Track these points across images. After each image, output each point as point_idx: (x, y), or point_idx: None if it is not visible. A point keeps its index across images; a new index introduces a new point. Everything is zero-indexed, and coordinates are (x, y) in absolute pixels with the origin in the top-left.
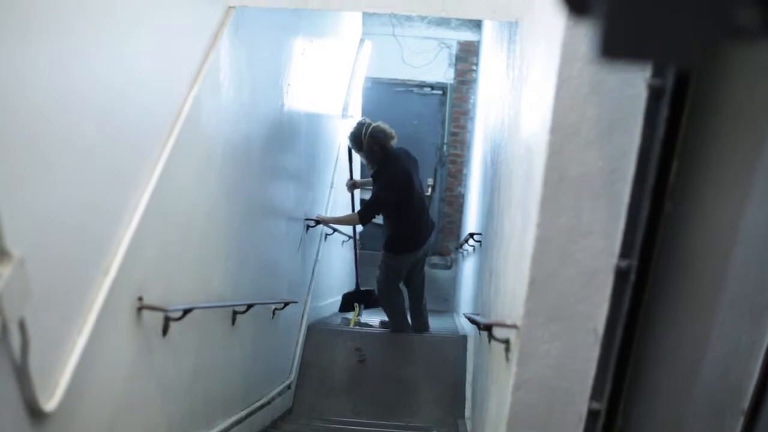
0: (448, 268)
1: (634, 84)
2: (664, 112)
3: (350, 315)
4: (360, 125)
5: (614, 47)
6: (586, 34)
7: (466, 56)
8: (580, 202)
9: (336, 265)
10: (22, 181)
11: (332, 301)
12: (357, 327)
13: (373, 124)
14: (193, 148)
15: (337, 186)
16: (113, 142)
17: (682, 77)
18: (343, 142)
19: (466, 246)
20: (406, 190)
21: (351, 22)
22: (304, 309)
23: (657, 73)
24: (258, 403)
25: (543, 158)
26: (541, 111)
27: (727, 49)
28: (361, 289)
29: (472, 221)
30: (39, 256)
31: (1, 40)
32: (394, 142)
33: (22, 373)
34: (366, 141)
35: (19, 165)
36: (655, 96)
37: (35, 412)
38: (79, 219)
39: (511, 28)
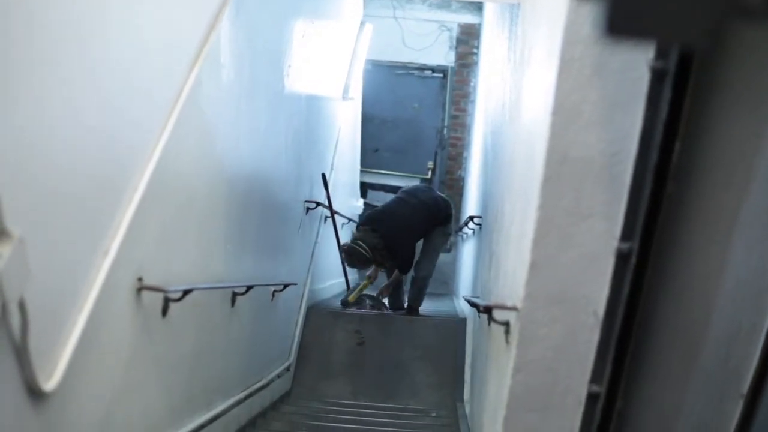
0: (448, 251)
1: (636, 66)
2: (666, 94)
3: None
4: (352, 249)
5: (619, 26)
6: (589, 16)
7: (467, 39)
8: (581, 185)
9: (336, 247)
10: (22, 161)
11: (331, 283)
12: (355, 309)
13: (354, 241)
14: (193, 128)
15: (337, 168)
16: (114, 122)
17: (685, 59)
18: (343, 124)
19: (465, 229)
20: (411, 229)
21: (352, 4)
22: (304, 291)
23: (660, 55)
24: (257, 385)
25: (545, 140)
26: (543, 93)
27: (731, 30)
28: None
29: (472, 204)
30: (39, 236)
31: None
32: (372, 230)
33: (21, 353)
34: (370, 252)
35: (19, 145)
36: (657, 78)
37: (35, 392)
38: (79, 199)
39: (513, 10)
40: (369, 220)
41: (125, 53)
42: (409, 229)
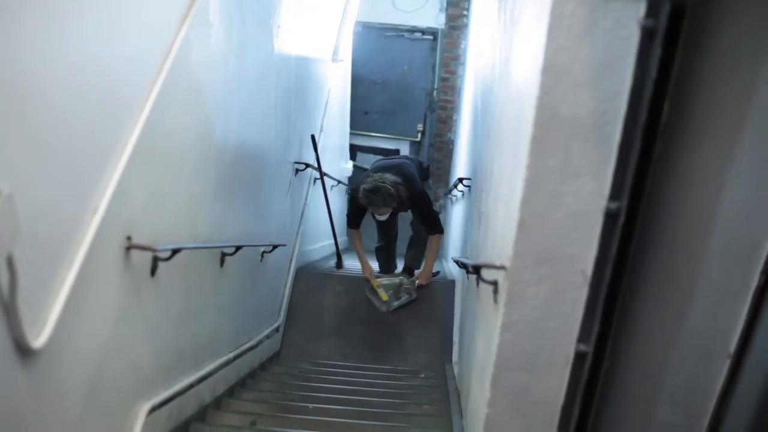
0: (437, 213)
1: (627, 24)
2: (656, 53)
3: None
4: (376, 186)
5: None
6: None
7: (458, 1)
8: (570, 143)
9: (325, 209)
10: (12, 118)
11: (321, 245)
12: (344, 271)
13: (384, 179)
14: (182, 87)
15: (326, 130)
16: (103, 78)
17: (676, 17)
18: (333, 85)
19: (455, 191)
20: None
21: None
22: (293, 252)
23: (650, 13)
24: (246, 345)
25: (534, 98)
26: (532, 51)
27: None
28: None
29: (461, 167)
30: (28, 193)
31: None
32: (383, 172)
33: (10, 310)
34: (398, 193)
35: (8, 103)
36: (648, 37)
37: (23, 349)
38: (68, 157)
39: None
40: (374, 169)
41: (114, 9)
42: (413, 173)
